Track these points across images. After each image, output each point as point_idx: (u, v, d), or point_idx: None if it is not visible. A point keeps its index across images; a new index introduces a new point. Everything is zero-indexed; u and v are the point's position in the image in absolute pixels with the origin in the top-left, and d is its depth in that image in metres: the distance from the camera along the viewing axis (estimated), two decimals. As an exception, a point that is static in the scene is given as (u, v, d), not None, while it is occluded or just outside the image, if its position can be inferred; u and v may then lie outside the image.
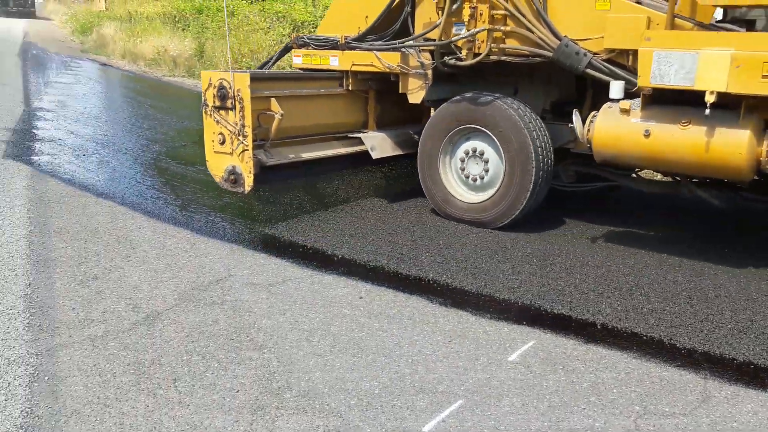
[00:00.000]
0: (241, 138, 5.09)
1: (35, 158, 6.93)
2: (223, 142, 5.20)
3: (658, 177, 5.94)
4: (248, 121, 5.01)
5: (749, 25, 4.50)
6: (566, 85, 5.38)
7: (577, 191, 5.63)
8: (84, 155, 7.18)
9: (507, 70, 5.30)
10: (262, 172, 5.21)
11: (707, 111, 4.00)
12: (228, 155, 5.20)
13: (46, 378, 2.93)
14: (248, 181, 5.13)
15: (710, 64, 3.98)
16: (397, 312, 3.74)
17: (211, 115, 5.23)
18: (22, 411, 2.69)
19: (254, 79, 5.06)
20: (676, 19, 4.34)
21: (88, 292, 3.83)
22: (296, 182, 5.93)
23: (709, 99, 3.96)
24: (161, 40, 17.43)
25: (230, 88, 5.04)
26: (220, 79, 5.09)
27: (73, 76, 14.74)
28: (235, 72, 5.09)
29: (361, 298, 3.93)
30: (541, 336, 3.53)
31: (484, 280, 4.18)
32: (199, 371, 3.05)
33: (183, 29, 18.65)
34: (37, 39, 23.80)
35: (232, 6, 16.71)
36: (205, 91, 5.21)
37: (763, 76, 3.86)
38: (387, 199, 5.93)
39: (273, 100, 5.21)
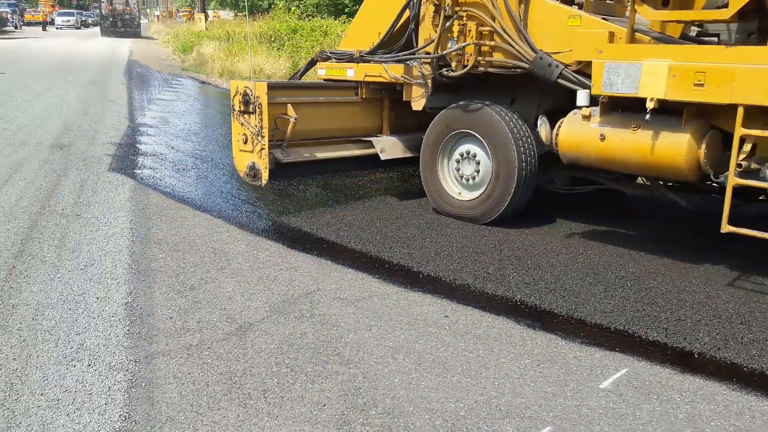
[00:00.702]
0: (259, 138, 5.75)
1: (138, 172, 7.31)
2: (246, 142, 5.88)
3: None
4: (266, 123, 5.67)
5: (719, 38, 4.80)
6: (559, 94, 5.48)
7: (580, 194, 5.97)
8: (183, 169, 7.51)
9: (505, 81, 5.70)
10: (278, 168, 5.86)
11: (647, 116, 4.47)
12: (249, 153, 5.88)
13: (144, 384, 3.07)
14: (264, 176, 5.79)
15: (651, 74, 4.42)
16: (483, 332, 3.70)
17: (237, 118, 5.91)
18: (120, 415, 2.83)
19: (271, 87, 5.74)
20: (636, 33, 4.77)
21: (185, 301, 3.99)
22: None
23: (650, 105, 4.40)
24: (257, 59, 18.06)
25: (252, 95, 5.73)
26: (245, 87, 5.78)
27: (174, 94, 15.48)
28: (256, 81, 5.76)
29: (446, 316, 3.91)
30: (634, 363, 3.40)
31: (574, 302, 4.08)
32: (288, 383, 3.11)
33: (278, 48, 19.28)
34: (141, 57, 25.17)
35: (325, 25, 17.14)
36: (233, 97, 5.89)
37: (695, 85, 4.27)
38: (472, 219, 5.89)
39: (289, 105, 5.84)
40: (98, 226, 5.37)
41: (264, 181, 5.82)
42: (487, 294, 4.24)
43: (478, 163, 5.67)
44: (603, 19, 5.00)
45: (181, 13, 55.64)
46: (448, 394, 3.05)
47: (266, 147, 5.71)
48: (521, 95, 5.92)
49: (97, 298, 3.98)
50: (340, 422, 2.81)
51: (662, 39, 4.87)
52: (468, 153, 5.74)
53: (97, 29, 46.60)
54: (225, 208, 6.05)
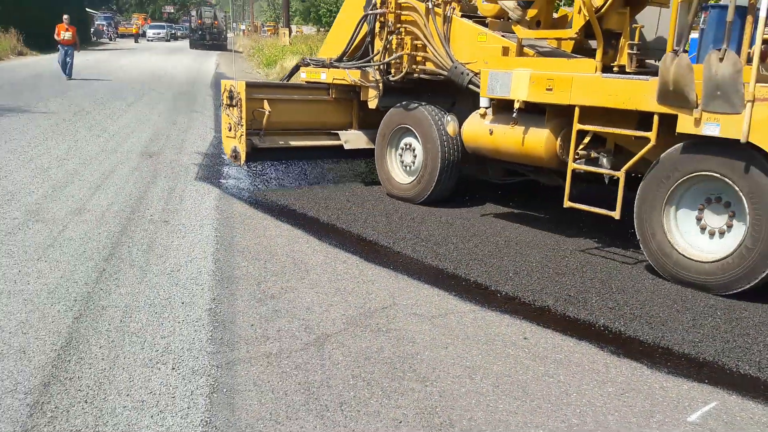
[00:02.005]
0: (239, 126, 7.11)
1: (223, 181, 7.54)
2: (230, 129, 7.27)
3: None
4: (244, 115, 7.02)
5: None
6: None
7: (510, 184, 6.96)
8: (266, 180, 7.69)
9: (448, 86, 6.46)
10: (255, 152, 7.22)
11: (514, 114, 5.52)
12: (233, 139, 7.26)
13: (225, 390, 3.13)
14: (242, 157, 7.13)
15: (518, 81, 5.46)
16: (564, 357, 3.59)
17: (224, 110, 7.32)
18: (201, 420, 2.89)
19: (249, 85, 7.16)
20: (525, 48, 5.83)
21: (265, 310, 4.06)
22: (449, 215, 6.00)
23: (517, 105, 5.47)
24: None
25: (235, 91, 7.09)
26: (231, 85, 7.20)
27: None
28: (239, 81, 7.18)
29: (525, 338, 3.83)
30: (724, 397, 3.23)
31: (661, 330, 3.92)
32: (364, 397, 3.11)
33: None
34: (228, 70, 25.99)
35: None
36: (222, 93, 7.28)
37: (547, 89, 5.27)
38: (552, 240, 5.77)
39: (265, 101, 7.19)
40: (185, 232, 5.55)
41: (242, 162, 7.20)
42: (568, 317, 4.13)
43: (414, 155, 6.83)
44: (503, 36, 6.03)
45: (265, 28, 57.30)
46: (527, 419, 2.98)
47: (244, 134, 7.05)
48: (461, 98, 6.64)
49: (182, 303, 4.10)
50: (417, 441, 2.78)
51: (546, 53, 5.87)
52: (409, 145, 6.91)
53: (186, 42, 48.53)
54: (305, 219, 6.14)
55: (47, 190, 6.72)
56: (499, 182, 6.96)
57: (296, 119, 7.65)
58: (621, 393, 3.23)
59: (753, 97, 4.18)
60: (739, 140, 4.24)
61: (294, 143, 7.54)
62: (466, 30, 6.28)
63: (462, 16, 6.41)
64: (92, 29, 51.22)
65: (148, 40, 55.61)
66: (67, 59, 19.61)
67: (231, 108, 7.21)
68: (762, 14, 4.16)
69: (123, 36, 59.22)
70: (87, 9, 48.23)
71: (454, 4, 6.44)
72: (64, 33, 19.67)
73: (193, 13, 47.13)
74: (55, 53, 22.17)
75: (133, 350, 3.48)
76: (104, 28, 54.99)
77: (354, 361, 3.46)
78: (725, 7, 4.39)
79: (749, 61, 4.30)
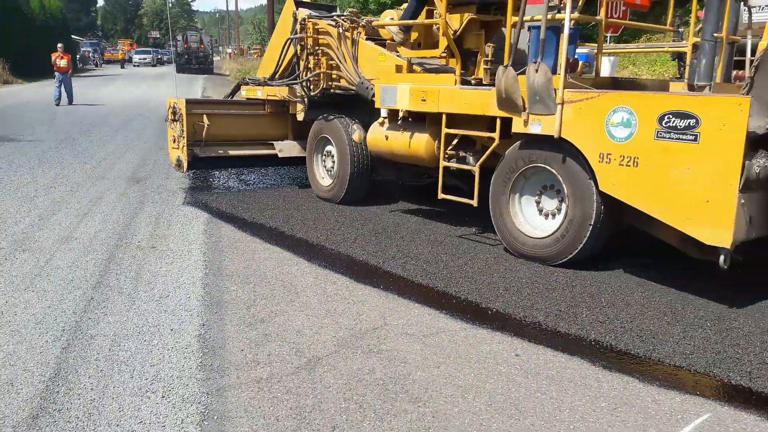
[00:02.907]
0: (181, 139, 8.09)
1: (211, 205, 7.51)
2: (175, 141, 8.30)
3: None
4: (185, 128, 8.00)
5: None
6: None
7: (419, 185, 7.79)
8: (255, 203, 7.66)
9: (368, 100, 7.04)
10: (196, 161, 8.20)
11: (399, 122, 6.55)
12: (177, 150, 8.27)
13: (215, 417, 3.10)
14: (185, 166, 8.14)
15: (401, 94, 6.44)
16: (556, 373, 3.59)
17: (169, 124, 8.38)
18: (194, 447, 2.86)
19: (189, 102, 8.16)
20: (414, 65, 6.72)
21: (255, 334, 4.04)
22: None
23: (401, 114, 6.48)
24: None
25: (177, 107, 8.13)
26: (174, 102, 8.22)
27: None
28: (180, 98, 8.15)
29: (517, 355, 3.82)
30: (717, 409, 3.24)
31: (652, 343, 3.92)
32: (357, 420, 3.09)
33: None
34: (213, 93, 26.03)
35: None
36: (168, 109, 8.34)
37: (422, 100, 6.24)
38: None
39: (204, 115, 8.16)
40: (173, 258, 5.53)
41: (185, 170, 8.24)
42: (559, 332, 4.13)
43: (333, 160, 7.69)
44: (397, 56, 6.89)
45: (251, 51, 57.52)
46: (520, 436, 2.97)
47: (185, 145, 8.03)
48: (377, 110, 7.14)
49: (171, 330, 4.07)
50: (410, 463, 2.76)
51: (432, 69, 6.73)
52: (330, 152, 7.77)
53: (172, 66, 48.63)
54: (294, 242, 6.13)
55: (34, 219, 6.68)
56: (416, 183, 7.93)
57: (235, 131, 8.66)
58: (614, 408, 3.23)
59: (562, 101, 5.08)
60: (553, 136, 5.15)
61: (232, 152, 8.53)
62: (369, 51, 7.18)
63: (367, 39, 7.30)
64: (78, 56, 51.30)
65: (134, 66, 55.66)
66: (64, 86, 20.33)
67: (174, 122, 8.24)
68: (566, 32, 5.05)
69: (109, 62, 59.33)
70: (73, 36, 48.33)
71: (360, 29, 7.34)
72: (59, 61, 20.50)
73: (179, 37, 47.28)
74: (43, 80, 22.31)
75: (122, 379, 3.45)
76: (90, 54, 55.04)
77: (346, 383, 3.45)
78: (553, 28, 5.31)
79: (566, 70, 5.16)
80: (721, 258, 4.34)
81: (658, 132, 4.57)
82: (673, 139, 4.48)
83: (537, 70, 5.11)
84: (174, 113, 8.20)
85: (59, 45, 21.25)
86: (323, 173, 7.99)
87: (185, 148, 8.04)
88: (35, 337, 3.94)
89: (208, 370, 3.57)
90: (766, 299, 4.68)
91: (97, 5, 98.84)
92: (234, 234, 6.39)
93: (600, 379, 3.53)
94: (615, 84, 6.40)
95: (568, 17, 5.05)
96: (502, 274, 5.19)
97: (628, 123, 4.73)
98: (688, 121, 4.39)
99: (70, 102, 20.70)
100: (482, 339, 4.05)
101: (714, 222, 4.31)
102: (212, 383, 3.42)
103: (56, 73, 20.56)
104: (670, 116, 4.49)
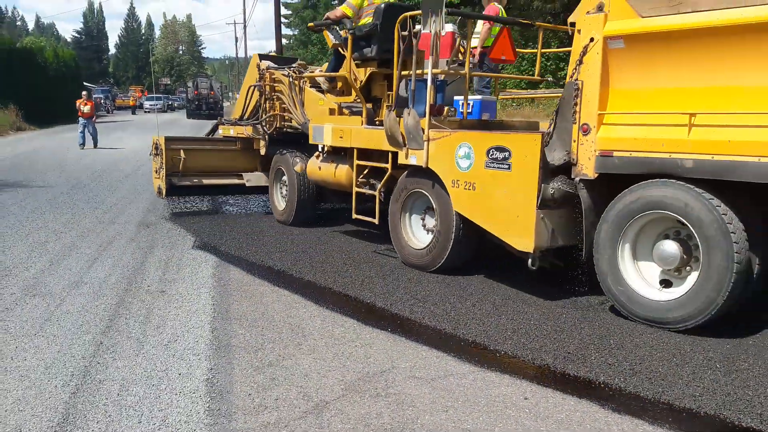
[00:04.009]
0: (161, 170, 9.56)
1: (220, 248, 7.56)
2: (156, 172, 9.84)
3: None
4: (164, 160, 9.51)
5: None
6: None
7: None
8: (263, 246, 7.71)
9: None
10: (174, 188, 9.61)
11: (324, 155, 8.03)
12: (158, 179, 9.77)
13: (224, 462, 3.09)
14: (164, 192, 9.58)
15: (326, 132, 7.78)
16: (565, 416, 3.56)
17: (152, 158, 10.00)
18: (202, 493, 2.84)
19: (168, 139, 9.62)
20: (344, 108, 8.07)
21: (263, 378, 4.04)
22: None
23: (326, 148, 7.94)
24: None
25: (159, 143, 9.63)
26: (156, 139, 9.69)
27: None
28: (161, 136, 9.62)
29: (526, 398, 3.80)
30: (729, 452, 3.20)
31: (661, 385, 3.90)
32: (365, 466, 3.07)
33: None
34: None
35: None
36: (151, 145, 9.88)
37: (340, 137, 7.54)
38: (548, 295, 5.77)
39: (181, 150, 9.65)
40: (182, 302, 5.56)
41: (164, 196, 9.65)
42: (568, 375, 4.11)
43: (286, 186, 9.00)
44: (332, 101, 8.12)
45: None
46: (530, 481, 2.94)
47: (165, 175, 9.48)
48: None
49: (180, 374, 4.08)
50: None
51: (356, 112, 7.85)
52: (285, 181, 9.06)
53: (183, 112, 49.33)
54: (302, 284, 6.15)
55: (45, 264, 6.74)
56: (334, 207, 9.36)
57: (210, 164, 10.05)
58: (624, 451, 3.20)
59: (428, 138, 6.29)
60: (422, 166, 6.37)
61: (206, 182, 9.93)
62: (312, 97, 8.55)
63: (311, 86, 8.67)
64: (90, 102, 52.11)
65: (145, 112, 56.49)
66: (88, 131, 21.53)
67: (156, 156, 9.74)
68: (428, 84, 6.21)
69: (120, 108, 60.27)
70: (85, 84, 49.20)
71: (306, 78, 8.73)
72: (83, 107, 21.69)
73: (190, 84, 48.04)
74: (55, 127, 22.84)
75: (130, 424, 3.45)
76: (102, 101, 55.97)
77: (353, 428, 3.43)
78: (423, 80, 6.33)
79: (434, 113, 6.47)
80: (529, 261, 5.44)
81: (486, 162, 5.75)
82: (495, 167, 5.67)
83: (409, 114, 6.36)
84: (156, 148, 9.66)
85: (83, 92, 22.93)
86: (280, 199, 9.33)
87: (164, 177, 9.48)
88: (44, 382, 3.95)
89: (216, 415, 3.57)
90: (776, 340, 4.65)
91: (109, 53, 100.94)
92: (242, 277, 6.42)
93: (610, 423, 3.50)
94: (481, 125, 7.22)
95: (429, 72, 6.18)
96: (510, 316, 5.18)
97: (469, 156, 5.93)
98: (504, 153, 5.57)
99: (95, 146, 21.64)
100: (491, 382, 4.03)
101: (521, 233, 5.46)
102: (220, 428, 3.42)
103: (80, 119, 21.62)
104: (494, 150, 5.66)
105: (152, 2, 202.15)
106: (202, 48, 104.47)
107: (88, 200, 11.09)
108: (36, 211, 9.87)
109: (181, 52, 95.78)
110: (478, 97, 7.82)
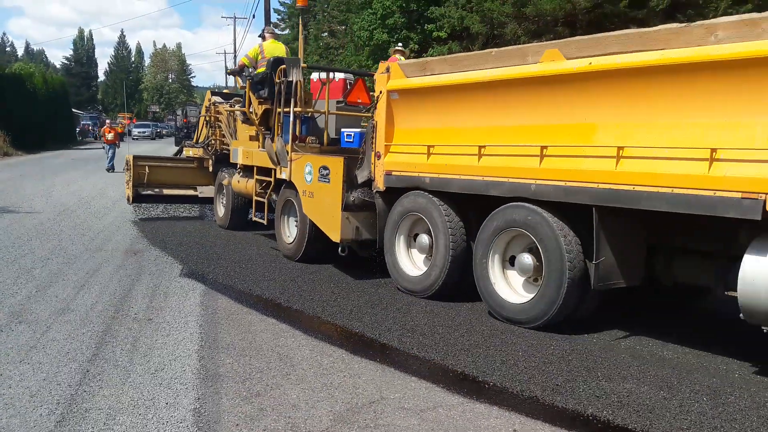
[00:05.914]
0: (130, 182, 11.85)
1: (208, 276, 7.54)
2: (127, 183, 12.06)
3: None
4: (133, 175, 11.77)
5: None
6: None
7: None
8: (252, 274, 7.70)
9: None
10: (139, 197, 11.91)
11: (240, 172, 10.51)
12: (128, 189, 11.99)
13: (212, 493, 3.06)
14: (131, 200, 11.93)
15: (240, 153, 10.14)
16: (554, 448, 3.57)
17: (125, 173, 12.16)
18: None
19: (136, 157, 12.04)
20: (260, 134, 9.68)
21: (251, 408, 4.01)
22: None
23: (239, 166, 10.39)
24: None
25: (129, 161, 11.91)
26: (127, 157, 11.96)
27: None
28: (130, 155, 12.03)
29: (515, 430, 3.80)
30: (717, 486, 3.21)
31: (648, 418, 3.91)
32: (353, 497, 3.05)
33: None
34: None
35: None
36: (125, 163, 12.14)
37: (246, 156, 9.92)
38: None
39: (147, 166, 11.97)
40: (169, 330, 5.52)
41: (131, 203, 12.00)
42: (556, 407, 4.11)
43: (225, 199, 11.10)
44: (255, 129, 9.86)
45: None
46: None
47: (132, 186, 11.76)
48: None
49: (167, 404, 4.04)
50: None
51: (270, 137, 9.19)
52: (225, 193, 11.12)
53: (171, 139, 49.26)
54: (290, 314, 6.14)
55: (31, 291, 6.68)
56: (264, 222, 10.06)
57: (170, 179, 12.23)
58: (612, 484, 3.20)
59: (290, 159, 8.39)
60: (288, 180, 8.47)
61: (166, 192, 12.13)
62: (241, 125, 10.56)
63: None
64: (78, 129, 52.09)
65: (133, 138, 56.35)
66: (109, 154, 23.67)
67: (127, 171, 12.05)
68: (290, 119, 8.46)
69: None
70: (73, 110, 49.13)
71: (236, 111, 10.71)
72: (107, 134, 24.45)
73: (179, 112, 48.04)
74: (43, 153, 22.96)
75: (116, 454, 3.41)
76: (90, 128, 55.87)
77: (342, 458, 3.41)
78: (296, 115, 8.45)
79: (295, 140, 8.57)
80: (339, 249, 7.55)
81: (318, 177, 7.81)
82: (323, 181, 7.74)
83: (277, 140, 8.64)
84: (127, 164, 12.05)
85: (108, 120, 26.35)
86: (221, 207, 11.41)
87: (132, 187, 11.77)
88: (29, 411, 3.90)
89: (204, 445, 3.53)
90: (760, 374, 4.69)
91: (98, 80, 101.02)
92: (230, 306, 6.40)
93: (598, 455, 3.50)
94: (338, 150, 8.33)
95: (292, 110, 8.38)
96: (498, 347, 5.20)
97: (311, 172, 7.98)
98: (327, 171, 7.66)
99: (112, 169, 23.16)
100: (480, 413, 4.03)
101: (333, 228, 7.56)
102: (207, 458, 3.38)
103: (105, 145, 24.30)
104: (322, 168, 7.74)
105: (143, 30, 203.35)
106: (192, 77, 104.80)
107: (75, 227, 11.03)
108: (22, 237, 9.79)
109: (170, 80, 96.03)
110: (358, 129, 8.75)
